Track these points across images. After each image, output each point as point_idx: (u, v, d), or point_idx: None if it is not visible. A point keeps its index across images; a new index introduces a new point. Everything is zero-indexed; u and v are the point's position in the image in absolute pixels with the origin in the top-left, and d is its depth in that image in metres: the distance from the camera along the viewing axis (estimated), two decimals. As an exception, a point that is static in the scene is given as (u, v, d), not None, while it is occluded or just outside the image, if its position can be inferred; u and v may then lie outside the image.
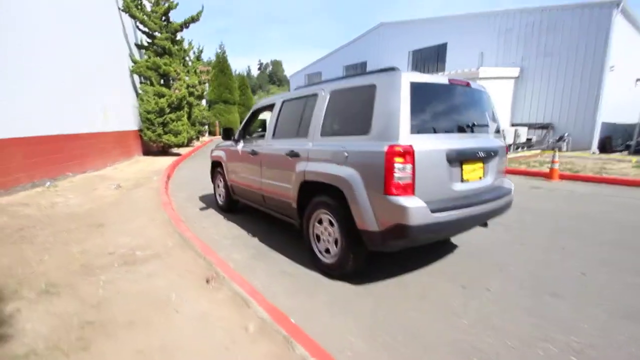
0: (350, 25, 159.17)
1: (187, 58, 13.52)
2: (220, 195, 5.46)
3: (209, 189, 7.02)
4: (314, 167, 3.04)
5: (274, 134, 3.86)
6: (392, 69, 2.70)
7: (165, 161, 10.50)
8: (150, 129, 11.10)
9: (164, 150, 12.18)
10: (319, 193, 3.09)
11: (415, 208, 2.36)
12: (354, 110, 2.86)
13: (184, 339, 2.10)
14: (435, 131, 2.63)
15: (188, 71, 13.09)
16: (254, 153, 4.12)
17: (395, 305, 2.57)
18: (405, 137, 2.43)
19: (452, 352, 2.04)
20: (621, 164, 9.43)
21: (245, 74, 34.94)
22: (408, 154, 2.39)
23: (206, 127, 19.96)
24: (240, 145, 4.55)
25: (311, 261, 3.24)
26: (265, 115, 4.43)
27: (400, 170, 2.39)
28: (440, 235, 2.80)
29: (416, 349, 2.07)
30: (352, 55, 22.90)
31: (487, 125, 3.11)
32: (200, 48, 14.18)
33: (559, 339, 2.12)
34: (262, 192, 4.01)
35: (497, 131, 3.29)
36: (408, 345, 2.10)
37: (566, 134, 13.39)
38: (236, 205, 5.24)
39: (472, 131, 2.90)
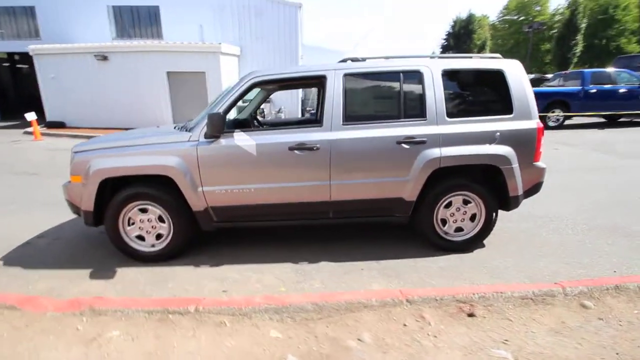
0: None
1: None
2: (146, 237, 3.02)
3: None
4: (454, 151, 2.88)
5: (345, 119, 2.88)
6: (497, 56, 3.14)
7: None
8: None
9: None
10: (451, 177, 3.01)
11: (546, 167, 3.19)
12: (484, 92, 3.04)
13: None
14: None
15: None
16: (303, 147, 2.82)
17: (522, 243, 3.33)
18: (537, 115, 3.10)
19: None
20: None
21: None
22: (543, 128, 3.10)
23: None
24: (246, 140, 2.82)
25: (436, 246, 3.16)
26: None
27: (542, 141, 3.07)
28: None
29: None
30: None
31: None
32: None
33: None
34: (328, 200, 2.93)
35: None
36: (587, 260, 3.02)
37: (282, 107, 16.82)
38: (188, 243, 3.17)
39: None
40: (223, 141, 2.86)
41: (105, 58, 12.74)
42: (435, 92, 2.92)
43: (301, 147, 2.84)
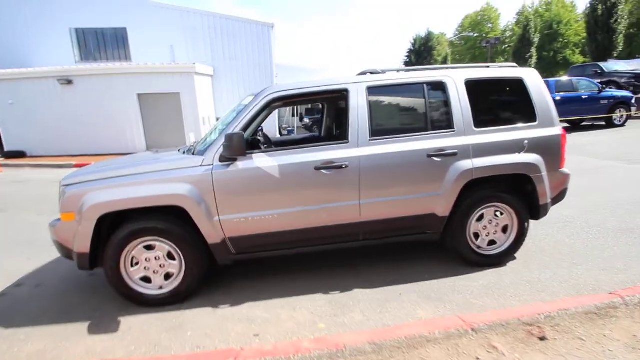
0: None
1: None
2: (152, 279, 2.64)
3: None
4: (486, 161, 2.77)
5: (372, 134, 2.70)
6: (514, 65, 3.12)
7: None
8: None
9: None
10: (481, 189, 2.88)
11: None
12: (507, 101, 2.98)
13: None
14: None
15: None
16: (331, 166, 2.59)
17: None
18: (558, 122, 3.07)
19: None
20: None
21: None
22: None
23: None
24: (267, 161, 2.55)
25: (469, 262, 3.00)
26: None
27: (565, 147, 3.04)
28: None
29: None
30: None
31: None
32: None
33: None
34: (358, 221, 2.71)
35: None
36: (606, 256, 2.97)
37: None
38: (202, 280, 2.81)
39: None
40: (240, 164, 2.57)
41: (69, 82, 11.99)
42: (461, 103, 2.82)
43: (328, 165, 2.61)
